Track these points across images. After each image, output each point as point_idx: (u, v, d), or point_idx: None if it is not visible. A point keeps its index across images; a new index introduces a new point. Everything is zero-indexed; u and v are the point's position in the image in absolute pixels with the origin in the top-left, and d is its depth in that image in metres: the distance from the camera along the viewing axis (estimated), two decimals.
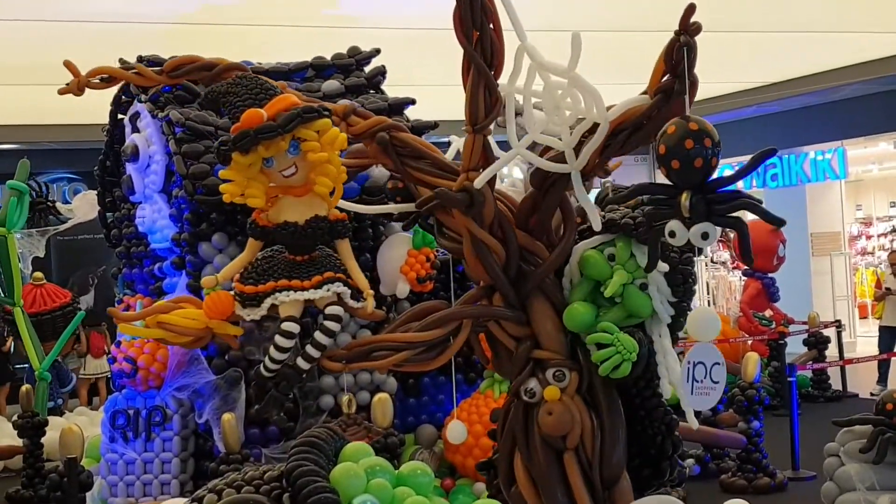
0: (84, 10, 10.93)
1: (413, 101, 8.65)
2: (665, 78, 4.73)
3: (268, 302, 6.10)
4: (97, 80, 7.11)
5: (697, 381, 5.09)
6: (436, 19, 12.85)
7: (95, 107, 9.40)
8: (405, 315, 5.40)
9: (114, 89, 8.65)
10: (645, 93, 4.85)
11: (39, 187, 12.90)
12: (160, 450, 7.86)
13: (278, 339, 6.03)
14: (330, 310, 6.08)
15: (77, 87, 6.88)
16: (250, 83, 6.16)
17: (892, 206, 25.35)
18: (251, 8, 11.36)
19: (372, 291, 6.54)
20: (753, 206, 4.57)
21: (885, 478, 7.03)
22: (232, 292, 6.38)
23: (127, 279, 9.13)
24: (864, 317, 23.06)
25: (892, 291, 15.73)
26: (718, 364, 5.10)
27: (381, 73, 8.79)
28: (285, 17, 11.67)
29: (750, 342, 13.95)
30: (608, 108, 4.81)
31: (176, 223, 7.90)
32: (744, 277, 16.49)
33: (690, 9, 4.53)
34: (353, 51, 8.86)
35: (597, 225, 5.11)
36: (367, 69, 8.86)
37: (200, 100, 6.52)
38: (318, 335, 6.03)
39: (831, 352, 15.10)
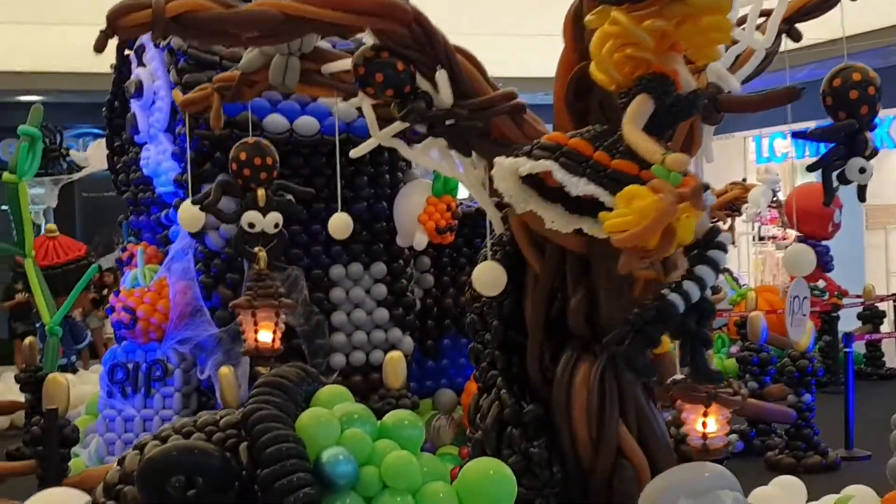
0: None
1: None
2: None
3: None
4: None
5: (795, 313, 5.98)
6: None
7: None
8: None
9: None
10: None
11: (52, 134, 12.46)
12: (160, 406, 7.45)
13: (703, 270, 3.83)
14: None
15: None
16: None
17: None
18: None
19: None
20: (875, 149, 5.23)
21: None
22: None
23: (133, 227, 8.68)
24: None
25: None
26: (807, 297, 6.10)
27: None
28: None
29: None
30: None
31: (179, 163, 7.34)
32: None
33: None
34: None
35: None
36: None
37: None
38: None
39: (886, 328, 14.46)
